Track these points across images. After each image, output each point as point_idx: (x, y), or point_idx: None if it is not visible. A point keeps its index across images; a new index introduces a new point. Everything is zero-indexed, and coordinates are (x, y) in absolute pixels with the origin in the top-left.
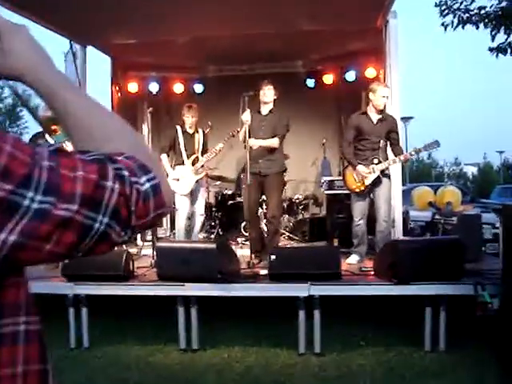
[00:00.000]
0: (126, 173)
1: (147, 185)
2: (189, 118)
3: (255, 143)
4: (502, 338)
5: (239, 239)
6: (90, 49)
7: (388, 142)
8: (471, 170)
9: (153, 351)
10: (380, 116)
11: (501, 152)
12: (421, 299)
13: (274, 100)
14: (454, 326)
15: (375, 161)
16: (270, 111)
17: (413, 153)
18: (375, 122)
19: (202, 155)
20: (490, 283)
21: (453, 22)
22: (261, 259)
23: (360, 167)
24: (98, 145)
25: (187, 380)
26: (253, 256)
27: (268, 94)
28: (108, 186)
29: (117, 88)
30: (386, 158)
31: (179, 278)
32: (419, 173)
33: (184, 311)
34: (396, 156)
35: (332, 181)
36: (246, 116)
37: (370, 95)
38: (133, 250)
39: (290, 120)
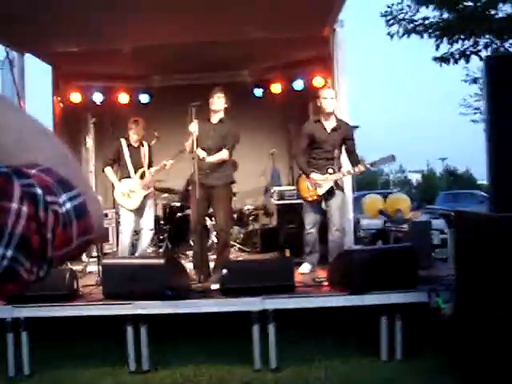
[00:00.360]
0: (39, 190)
1: (68, 205)
2: (134, 135)
3: (205, 158)
4: (456, 344)
5: (189, 252)
6: (29, 57)
7: (344, 150)
8: (415, 177)
9: (101, 375)
10: (334, 124)
11: (443, 159)
12: (376, 309)
13: (225, 109)
14: (410, 333)
15: (330, 170)
16: (220, 120)
17: (368, 165)
18: (329, 131)
19: (148, 169)
20: (444, 289)
21: (398, 31)
22: (204, 275)
23: (314, 175)
24: (8, 156)
25: None
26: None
27: (218, 102)
28: (12, 209)
29: (58, 98)
30: (340, 168)
31: (127, 295)
32: (365, 180)
33: (133, 331)
34: (352, 165)
35: (282, 191)
36: (193, 127)
37: (318, 102)
38: (78, 267)
39: (239, 129)
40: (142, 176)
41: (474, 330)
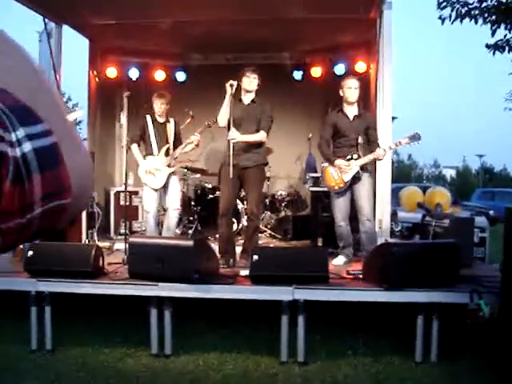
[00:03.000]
0: None
1: (27, 146)
2: (158, 105)
3: (242, 139)
4: (497, 349)
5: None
6: (67, 29)
7: (367, 140)
8: (450, 173)
9: (122, 356)
10: (356, 113)
11: (480, 156)
12: (413, 306)
13: (257, 90)
14: (446, 334)
15: (354, 156)
16: (253, 101)
17: (392, 146)
18: (351, 119)
19: (175, 146)
20: (487, 292)
21: (451, 15)
22: (227, 262)
23: (338, 161)
24: None
25: None
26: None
27: (251, 82)
28: None
29: (94, 72)
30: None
31: (153, 276)
32: (399, 173)
33: (157, 313)
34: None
35: (317, 177)
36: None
37: (340, 92)
38: (105, 244)
39: (273, 110)
40: (167, 153)
41: None
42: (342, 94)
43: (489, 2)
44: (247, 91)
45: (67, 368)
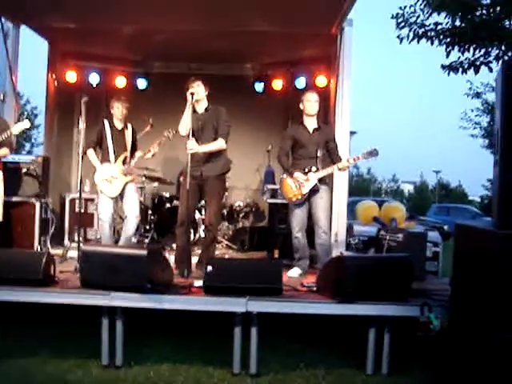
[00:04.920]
0: None
1: None
2: (119, 109)
3: (200, 149)
4: (445, 362)
5: (174, 245)
6: (25, 30)
7: (327, 152)
8: (408, 188)
9: (71, 367)
10: (316, 125)
11: (437, 172)
12: (365, 319)
13: (207, 96)
14: (397, 347)
15: (313, 169)
16: (206, 109)
17: (351, 161)
18: (311, 132)
19: (132, 154)
20: (437, 305)
21: (408, 35)
22: (183, 272)
23: (297, 173)
24: None
25: None
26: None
27: (199, 90)
28: None
29: (53, 76)
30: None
31: (105, 285)
32: (358, 187)
33: (108, 323)
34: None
35: (275, 189)
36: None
37: (301, 106)
38: (58, 251)
39: (228, 115)
40: (125, 161)
41: (467, 350)
42: (302, 107)
43: (444, 25)
44: (197, 101)
45: (12, 380)
